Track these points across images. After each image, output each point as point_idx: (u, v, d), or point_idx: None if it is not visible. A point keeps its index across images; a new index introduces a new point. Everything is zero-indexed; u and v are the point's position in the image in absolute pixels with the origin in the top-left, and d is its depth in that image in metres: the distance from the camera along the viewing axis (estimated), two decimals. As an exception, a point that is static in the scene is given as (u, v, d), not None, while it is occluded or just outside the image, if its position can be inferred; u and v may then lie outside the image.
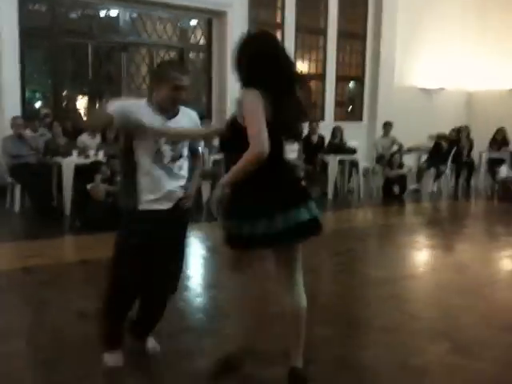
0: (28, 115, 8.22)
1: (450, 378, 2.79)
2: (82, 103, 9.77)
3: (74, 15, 9.16)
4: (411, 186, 9.38)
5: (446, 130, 10.15)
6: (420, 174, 9.62)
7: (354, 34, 11.78)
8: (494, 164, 10.12)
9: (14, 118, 7.22)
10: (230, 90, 9.71)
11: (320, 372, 2.82)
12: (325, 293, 4.18)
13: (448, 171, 9.72)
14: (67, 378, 2.67)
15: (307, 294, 4.02)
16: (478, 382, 2.77)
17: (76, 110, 9.77)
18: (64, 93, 9.28)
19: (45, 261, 4.67)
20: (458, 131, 9.96)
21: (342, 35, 11.46)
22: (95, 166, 6.38)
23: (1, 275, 4.30)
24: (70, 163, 6.62)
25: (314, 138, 9.30)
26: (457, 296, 4.09)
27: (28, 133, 7.32)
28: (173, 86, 2.56)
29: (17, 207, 6.84)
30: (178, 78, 2.57)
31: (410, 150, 9.75)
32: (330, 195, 8.64)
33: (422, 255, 5.60)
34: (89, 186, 6.15)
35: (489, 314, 3.73)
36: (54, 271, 4.48)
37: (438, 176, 9.65)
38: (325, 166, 8.83)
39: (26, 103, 8.60)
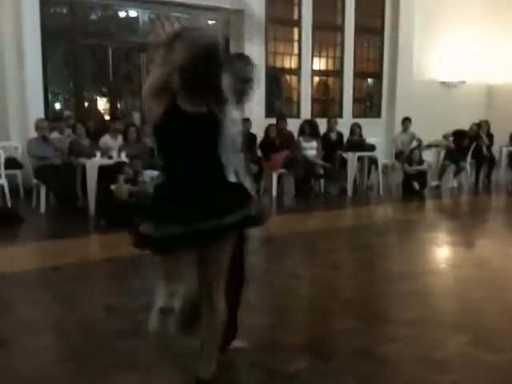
0: (50, 117, 8.42)
1: (471, 371, 2.82)
2: (102, 104, 9.93)
3: (93, 17, 9.33)
4: (432, 182, 9.33)
5: (466, 124, 10.06)
6: (442, 170, 9.57)
7: (372, 29, 11.77)
8: (514, 158, 10.07)
9: (39, 121, 7.39)
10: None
11: (343, 364, 2.89)
12: (346, 287, 4.23)
13: (468, 167, 9.68)
14: (99, 369, 2.77)
15: (329, 289, 4.13)
16: (498, 374, 2.80)
17: (97, 111, 9.94)
18: (85, 94, 9.46)
19: (72, 259, 4.81)
20: (478, 126, 9.88)
21: (360, 31, 11.46)
22: (118, 167, 6.49)
23: (32, 273, 4.46)
24: (93, 164, 6.75)
25: (333, 135, 9.34)
26: (477, 290, 4.12)
27: (55, 135, 7.48)
28: None
29: (42, 208, 6.99)
30: None
31: (429, 146, 9.70)
32: (349, 192, 8.66)
33: (442, 251, 5.61)
34: (113, 187, 6.28)
35: (510, 307, 3.76)
36: (82, 269, 4.62)
37: (458, 172, 9.60)
38: (344, 162, 8.85)
39: (48, 105, 8.80)
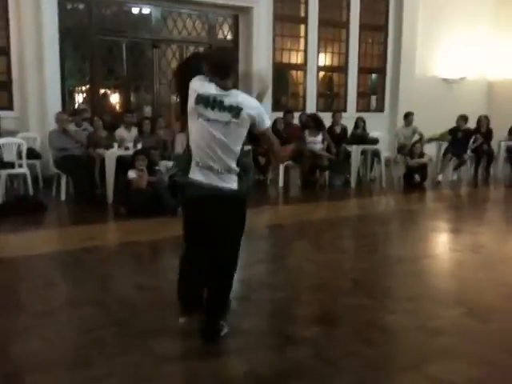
0: (67, 110, 8.79)
1: (462, 337, 3.23)
2: (116, 98, 10.30)
3: (108, 14, 9.68)
4: (436, 176, 9.65)
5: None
6: (444, 164, 9.89)
7: (376, 26, 12.12)
8: (512, 152, 10.43)
9: (59, 114, 7.77)
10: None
11: (351, 331, 3.30)
12: (353, 269, 4.63)
13: (468, 160, 10.03)
14: (138, 333, 3.18)
15: (337, 270, 4.54)
16: (488, 341, 3.19)
17: (111, 104, 10.31)
18: (100, 88, 9.83)
19: (100, 242, 5.23)
20: (463, 118, 10.08)
21: (364, 28, 11.81)
22: (138, 154, 6.85)
23: (65, 254, 4.88)
24: (112, 155, 7.14)
25: (337, 129, 9.68)
26: (473, 271, 4.53)
27: (72, 127, 7.85)
28: None
29: (63, 196, 7.37)
30: None
31: (430, 140, 10.04)
32: (353, 184, 9.03)
33: (441, 237, 6.02)
34: (130, 173, 6.64)
35: (502, 286, 4.15)
36: (110, 251, 5.05)
37: (458, 165, 9.95)
38: (348, 155, 9.22)
39: (65, 98, 9.16)
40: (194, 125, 2.87)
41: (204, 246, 3.03)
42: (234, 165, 2.87)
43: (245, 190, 2.97)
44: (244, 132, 2.87)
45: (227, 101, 2.80)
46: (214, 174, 2.86)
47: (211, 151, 2.83)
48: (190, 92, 2.87)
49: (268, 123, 2.93)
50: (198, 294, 3.19)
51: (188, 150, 3.01)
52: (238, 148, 2.88)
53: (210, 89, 2.82)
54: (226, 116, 2.80)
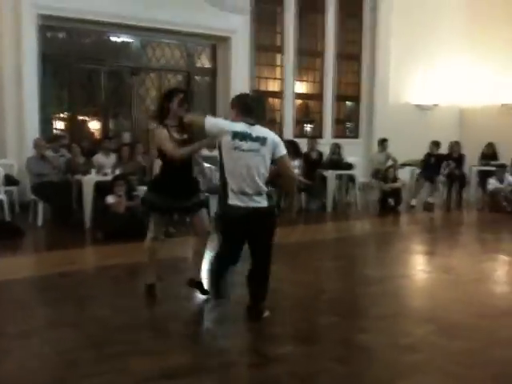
0: (45, 137, 8.81)
1: (433, 353, 3.33)
2: (95, 124, 10.36)
3: (88, 42, 9.81)
4: (410, 201, 9.86)
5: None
6: (417, 189, 10.12)
7: (350, 56, 12.46)
8: (484, 177, 10.71)
9: (37, 139, 7.82)
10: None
11: (324, 349, 3.38)
12: (329, 289, 4.73)
13: (440, 185, 10.27)
14: (114, 354, 3.20)
15: (312, 291, 4.62)
16: (456, 356, 3.30)
17: (89, 131, 10.36)
18: (78, 115, 9.90)
19: (77, 267, 5.24)
20: (436, 144, 10.36)
21: (339, 57, 12.14)
22: (116, 179, 6.91)
23: (42, 278, 4.88)
24: (89, 180, 7.18)
25: (313, 154, 9.86)
26: (443, 291, 4.67)
27: (49, 153, 7.89)
28: None
29: (40, 221, 7.36)
30: None
31: (403, 165, 10.28)
32: (329, 208, 9.18)
33: (414, 258, 6.17)
34: (109, 199, 6.69)
35: (470, 305, 4.29)
36: (86, 275, 5.06)
37: (432, 189, 10.16)
38: (324, 180, 9.39)
39: (44, 125, 9.19)
40: (230, 157, 3.55)
41: (240, 247, 3.82)
42: (263, 185, 3.60)
43: (273, 206, 3.75)
44: (269, 158, 3.62)
45: (254, 133, 3.58)
46: (248, 198, 3.55)
47: (247, 177, 3.52)
48: (218, 131, 3.60)
49: (285, 151, 3.68)
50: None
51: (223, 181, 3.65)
52: (266, 171, 3.62)
53: (240, 126, 3.58)
54: (255, 145, 3.56)
